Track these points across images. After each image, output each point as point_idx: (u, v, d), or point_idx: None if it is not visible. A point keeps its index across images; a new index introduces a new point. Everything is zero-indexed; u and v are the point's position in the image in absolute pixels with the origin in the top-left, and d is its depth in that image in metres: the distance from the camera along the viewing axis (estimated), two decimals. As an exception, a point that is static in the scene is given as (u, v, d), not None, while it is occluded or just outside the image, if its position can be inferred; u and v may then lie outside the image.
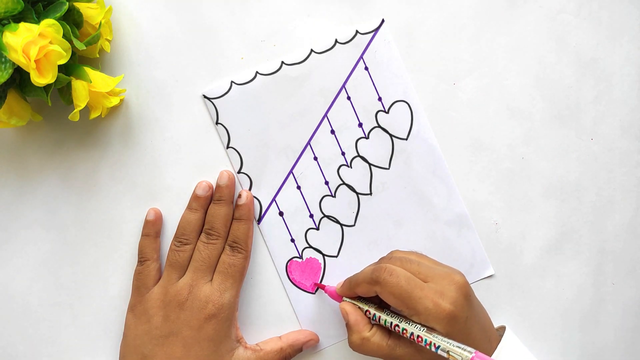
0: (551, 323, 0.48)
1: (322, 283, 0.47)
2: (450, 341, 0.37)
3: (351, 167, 0.48)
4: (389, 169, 0.48)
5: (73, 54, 0.42)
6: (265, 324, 0.48)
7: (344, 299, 0.44)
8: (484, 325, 0.41)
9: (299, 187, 0.48)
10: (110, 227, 0.47)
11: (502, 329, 0.44)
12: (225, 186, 0.46)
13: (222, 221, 0.45)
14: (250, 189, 0.47)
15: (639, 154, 0.49)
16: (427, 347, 0.38)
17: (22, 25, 0.38)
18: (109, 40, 0.46)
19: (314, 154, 0.48)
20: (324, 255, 0.48)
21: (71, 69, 0.42)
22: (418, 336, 0.38)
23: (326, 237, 0.48)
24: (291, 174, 0.48)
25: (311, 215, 0.48)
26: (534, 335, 0.48)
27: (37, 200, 0.47)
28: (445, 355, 0.36)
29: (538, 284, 0.48)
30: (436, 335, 0.38)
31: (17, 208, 0.47)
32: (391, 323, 0.40)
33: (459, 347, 0.36)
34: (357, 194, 0.48)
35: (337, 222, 0.48)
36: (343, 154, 0.48)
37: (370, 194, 0.48)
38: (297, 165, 0.48)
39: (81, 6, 0.42)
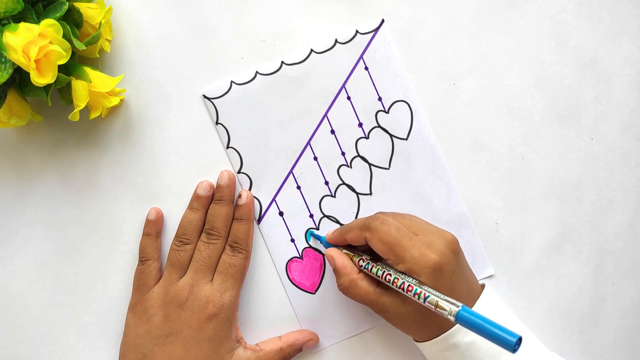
0: (551, 323, 0.48)
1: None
2: (439, 294, 0.36)
3: (351, 167, 0.48)
4: (389, 169, 0.48)
5: (73, 54, 0.42)
6: (265, 324, 0.48)
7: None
8: (470, 282, 0.41)
9: (299, 187, 0.48)
10: (110, 227, 0.47)
11: (483, 286, 0.44)
12: (226, 186, 0.46)
13: (222, 221, 0.45)
14: (250, 189, 0.47)
15: (639, 154, 0.49)
16: (415, 297, 0.37)
17: (22, 25, 0.38)
18: (109, 40, 0.46)
19: (314, 154, 0.48)
20: (324, 255, 0.48)
21: (71, 69, 0.42)
22: (409, 286, 0.38)
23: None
24: (291, 174, 0.48)
25: (311, 215, 0.48)
26: (534, 335, 0.48)
27: (37, 200, 0.47)
28: (432, 307, 0.36)
29: (538, 284, 0.48)
30: (426, 287, 0.37)
31: (17, 208, 0.47)
32: (382, 273, 0.40)
33: (447, 301, 0.36)
34: (357, 194, 0.48)
35: (337, 222, 0.48)
36: (343, 154, 0.48)
37: (370, 194, 0.48)
38: (297, 165, 0.48)
39: (81, 6, 0.42)
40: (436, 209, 0.48)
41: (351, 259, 0.43)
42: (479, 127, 0.48)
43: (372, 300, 0.41)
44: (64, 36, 0.39)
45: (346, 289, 0.42)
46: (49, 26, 0.38)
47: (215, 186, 0.47)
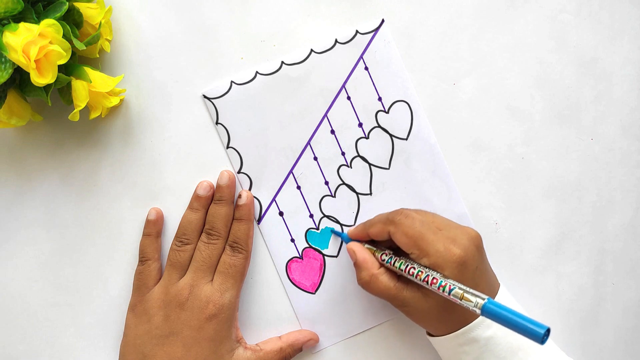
0: (551, 323, 0.48)
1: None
2: (464, 286, 0.36)
3: (351, 167, 0.48)
4: (389, 169, 0.48)
5: (73, 54, 0.42)
6: (265, 324, 0.48)
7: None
8: (490, 279, 0.42)
9: (299, 187, 0.48)
10: (110, 227, 0.47)
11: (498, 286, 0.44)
12: (226, 186, 0.46)
13: (222, 221, 0.45)
14: (250, 189, 0.47)
15: (639, 154, 0.49)
16: (440, 289, 0.37)
17: (22, 25, 0.38)
18: (109, 40, 0.46)
19: (314, 154, 0.48)
20: (324, 255, 0.48)
21: (71, 69, 0.42)
22: (433, 278, 0.38)
23: (326, 237, 0.48)
24: (291, 174, 0.48)
25: (311, 215, 0.48)
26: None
27: (37, 200, 0.47)
28: (457, 299, 0.36)
29: (538, 284, 0.48)
30: (451, 280, 0.37)
31: (17, 208, 0.47)
32: (407, 266, 0.40)
33: (473, 293, 0.36)
34: (357, 194, 0.48)
35: (337, 222, 0.48)
36: (343, 154, 0.48)
37: (370, 194, 0.48)
38: (297, 165, 0.48)
39: (81, 6, 0.42)
40: (436, 209, 0.48)
41: (373, 254, 0.43)
42: (479, 127, 0.48)
43: (393, 294, 0.41)
44: (64, 36, 0.39)
45: (366, 284, 0.42)
46: (49, 26, 0.38)
47: (215, 186, 0.47)
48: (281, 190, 0.48)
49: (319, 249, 0.48)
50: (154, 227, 0.46)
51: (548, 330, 0.32)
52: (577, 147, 0.49)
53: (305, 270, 0.48)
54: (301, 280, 0.48)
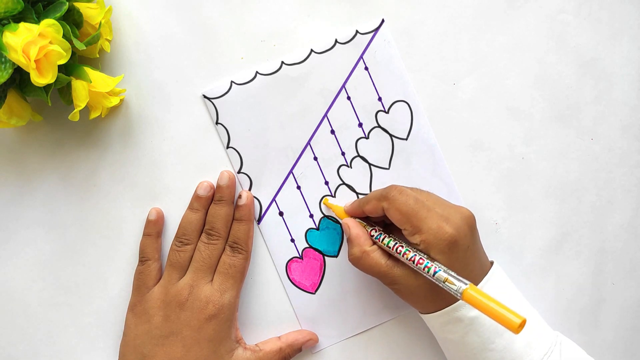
0: (551, 323, 0.48)
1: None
2: (448, 270, 0.37)
3: (351, 167, 0.48)
4: (389, 169, 0.48)
5: (73, 54, 0.42)
6: (265, 324, 0.48)
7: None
8: (482, 260, 0.42)
9: (299, 187, 0.48)
10: (110, 227, 0.47)
11: (491, 263, 0.44)
12: (226, 186, 0.46)
13: (222, 221, 0.45)
14: (250, 189, 0.47)
15: (639, 154, 0.49)
16: (425, 270, 0.38)
17: (22, 25, 0.38)
18: (109, 40, 0.46)
19: (314, 154, 0.48)
20: (324, 255, 0.48)
21: (71, 69, 0.42)
22: (420, 259, 0.38)
23: (326, 237, 0.48)
24: (291, 174, 0.48)
25: (311, 215, 0.48)
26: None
27: (37, 200, 0.47)
28: (441, 283, 0.37)
29: (538, 284, 0.48)
30: (436, 263, 0.38)
31: (17, 208, 0.47)
32: (394, 244, 0.40)
33: (456, 278, 0.36)
34: (357, 194, 0.48)
35: (337, 222, 0.48)
36: (343, 154, 0.48)
37: (370, 194, 0.48)
38: (297, 165, 0.48)
39: (81, 6, 0.42)
40: (436, 209, 0.48)
41: (364, 228, 0.43)
42: (479, 127, 0.48)
43: (383, 272, 0.41)
44: (64, 36, 0.39)
45: (357, 259, 0.42)
46: (49, 26, 0.38)
47: (215, 186, 0.47)
48: (281, 190, 0.48)
49: (319, 249, 0.48)
50: (154, 227, 0.46)
51: (523, 322, 0.33)
52: (577, 147, 0.49)
53: (305, 270, 0.48)
54: (301, 280, 0.48)
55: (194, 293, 0.44)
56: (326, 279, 0.48)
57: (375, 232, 0.42)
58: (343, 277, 0.48)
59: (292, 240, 0.48)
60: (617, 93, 0.49)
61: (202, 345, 0.43)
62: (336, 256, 0.48)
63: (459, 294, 0.36)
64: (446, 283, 0.36)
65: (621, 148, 0.49)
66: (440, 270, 0.37)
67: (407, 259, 0.39)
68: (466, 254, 0.39)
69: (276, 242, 0.48)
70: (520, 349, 0.40)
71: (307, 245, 0.48)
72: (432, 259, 0.38)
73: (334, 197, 0.48)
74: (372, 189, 0.48)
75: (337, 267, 0.48)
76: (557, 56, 0.48)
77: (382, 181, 0.48)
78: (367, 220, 0.45)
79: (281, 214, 0.48)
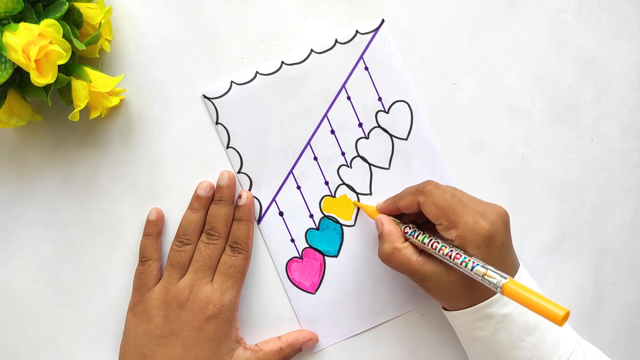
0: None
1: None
2: (486, 265, 0.37)
3: (351, 167, 0.48)
4: (389, 169, 0.48)
5: (73, 54, 0.42)
6: (265, 324, 0.48)
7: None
8: (513, 258, 0.41)
9: (299, 187, 0.48)
10: (110, 227, 0.47)
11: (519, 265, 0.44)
12: (226, 186, 0.46)
13: (222, 221, 0.45)
14: (250, 189, 0.47)
15: (639, 154, 0.49)
16: (462, 265, 0.37)
17: (22, 25, 0.38)
18: (109, 40, 0.46)
19: (314, 154, 0.48)
20: (324, 255, 0.48)
21: (71, 69, 0.42)
22: (457, 253, 0.38)
23: (326, 237, 0.48)
24: (291, 174, 0.48)
25: (311, 215, 0.48)
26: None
27: (37, 200, 0.47)
28: (478, 276, 0.36)
29: (538, 284, 0.48)
30: (475, 258, 0.38)
31: (17, 208, 0.47)
32: (430, 240, 0.40)
33: (495, 272, 0.36)
34: (357, 194, 0.48)
35: (337, 222, 0.48)
36: (343, 154, 0.48)
37: (370, 194, 0.48)
38: (297, 165, 0.48)
39: (81, 6, 0.42)
40: (436, 209, 0.48)
41: (397, 225, 0.43)
42: (479, 127, 0.48)
43: (414, 268, 0.41)
44: (64, 36, 0.39)
45: (387, 256, 0.42)
46: (49, 26, 0.38)
47: (215, 186, 0.47)
48: (281, 190, 0.48)
49: (319, 249, 0.48)
50: (154, 227, 0.46)
51: (567, 314, 0.32)
52: (577, 147, 0.49)
53: (305, 270, 0.48)
54: (301, 280, 0.48)
55: (194, 293, 0.44)
56: (326, 279, 0.48)
57: (409, 229, 0.42)
58: (343, 277, 0.48)
59: (292, 240, 0.48)
60: (617, 93, 0.49)
61: (202, 345, 0.43)
62: (336, 256, 0.48)
63: (498, 288, 0.35)
64: (485, 277, 0.36)
65: (621, 148, 0.49)
66: (478, 264, 0.37)
67: (443, 254, 0.39)
68: (501, 250, 0.39)
69: (276, 242, 0.48)
70: (549, 348, 0.39)
71: (307, 245, 0.48)
72: (469, 254, 0.38)
73: (334, 197, 0.48)
74: (372, 189, 0.48)
75: (337, 267, 0.48)
76: (557, 56, 0.48)
77: (382, 181, 0.48)
78: (400, 218, 0.45)
79: (281, 214, 0.48)
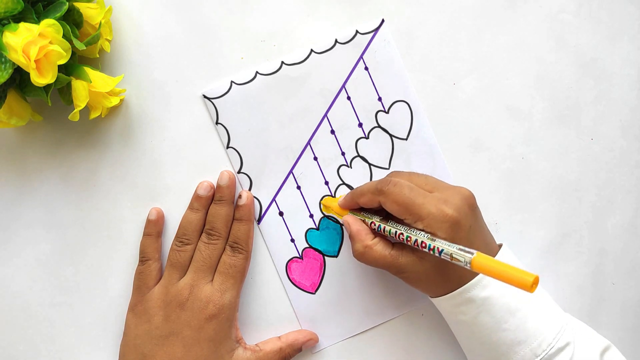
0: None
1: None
2: (453, 244, 0.37)
3: (351, 167, 0.48)
4: (389, 169, 0.48)
5: (73, 54, 0.42)
6: (265, 324, 0.48)
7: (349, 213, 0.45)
8: (486, 239, 0.42)
9: (299, 187, 0.48)
10: (110, 227, 0.47)
11: (500, 246, 0.43)
12: (226, 186, 0.46)
13: (223, 221, 0.45)
14: (250, 189, 0.47)
15: (639, 154, 0.49)
16: (431, 252, 0.37)
17: (22, 25, 0.38)
18: (109, 40, 0.46)
19: (313, 154, 0.48)
20: (324, 255, 0.48)
21: (71, 69, 0.42)
22: (422, 242, 0.38)
23: (326, 237, 0.48)
24: (291, 174, 0.48)
25: (311, 215, 0.48)
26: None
27: (37, 200, 0.47)
28: (448, 258, 0.36)
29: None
30: (439, 240, 0.37)
31: (17, 208, 0.47)
32: (395, 232, 0.40)
33: (461, 249, 0.36)
34: (357, 194, 0.48)
35: (337, 222, 0.48)
36: (343, 154, 0.48)
37: (370, 194, 0.48)
38: (297, 165, 0.48)
39: (81, 6, 0.42)
40: (436, 209, 0.47)
41: (363, 222, 0.43)
42: (479, 127, 0.48)
43: (389, 262, 0.41)
44: (64, 36, 0.39)
45: (361, 255, 0.42)
46: (49, 26, 0.38)
47: (215, 186, 0.47)
48: (281, 190, 0.48)
49: (319, 249, 0.48)
50: (154, 227, 0.46)
51: (536, 279, 0.32)
52: (577, 147, 0.49)
53: (305, 270, 0.48)
54: (301, 280, 0.48)
55: (195, 293, 0.44)
56: (326, 279, 0.48)
57: (375, 224, 0.42)
58: (343, 277, 0.48)
59: (292, 240, 0.48)
60: (617, 93, 0.49)
61: (202, 345, 0.43)
62: (336, 256, 0.48)
63: (467, 264, 0.35)
64: (454, 257, 0.36)
65: (621, 148, 0.49)
66: (444, 247, 0.37)
67: (411, 243, 0.39)
68: (469, 233, 0.39)
69: (276, 242, 0.48)
70: (533, 328, 0.39)
71: (307, 245, 0.48)
72: (434, 238, 0.38)
73: (334, 197, 0.48)
74: (372, 189, 0.48)
75: (337, 267, 0.48)
76: (557, 56, 0.48)
77: (382, 181, 0.48)
78: (367, 210, 0.44)
79: (281, 214, 0.48)
